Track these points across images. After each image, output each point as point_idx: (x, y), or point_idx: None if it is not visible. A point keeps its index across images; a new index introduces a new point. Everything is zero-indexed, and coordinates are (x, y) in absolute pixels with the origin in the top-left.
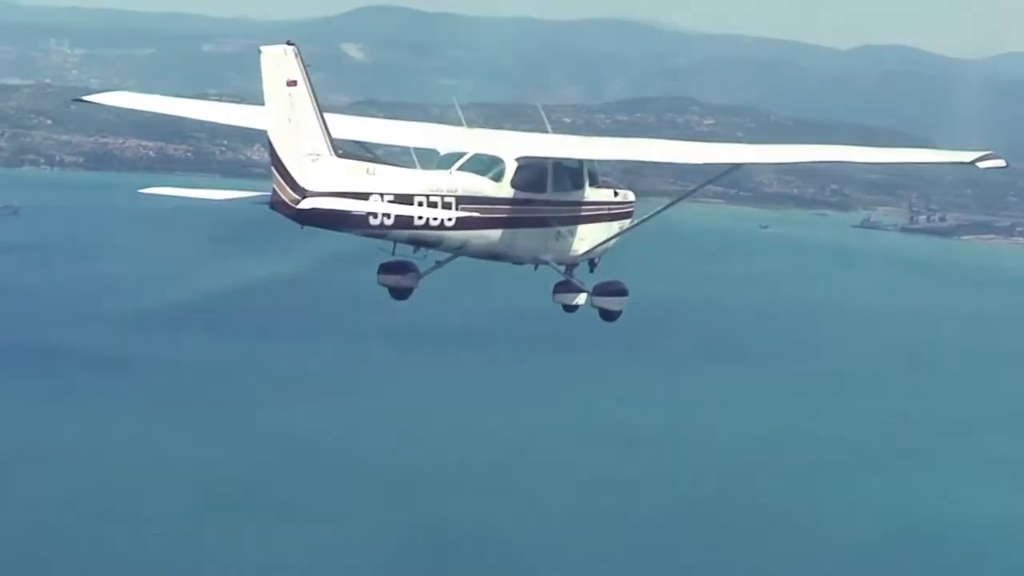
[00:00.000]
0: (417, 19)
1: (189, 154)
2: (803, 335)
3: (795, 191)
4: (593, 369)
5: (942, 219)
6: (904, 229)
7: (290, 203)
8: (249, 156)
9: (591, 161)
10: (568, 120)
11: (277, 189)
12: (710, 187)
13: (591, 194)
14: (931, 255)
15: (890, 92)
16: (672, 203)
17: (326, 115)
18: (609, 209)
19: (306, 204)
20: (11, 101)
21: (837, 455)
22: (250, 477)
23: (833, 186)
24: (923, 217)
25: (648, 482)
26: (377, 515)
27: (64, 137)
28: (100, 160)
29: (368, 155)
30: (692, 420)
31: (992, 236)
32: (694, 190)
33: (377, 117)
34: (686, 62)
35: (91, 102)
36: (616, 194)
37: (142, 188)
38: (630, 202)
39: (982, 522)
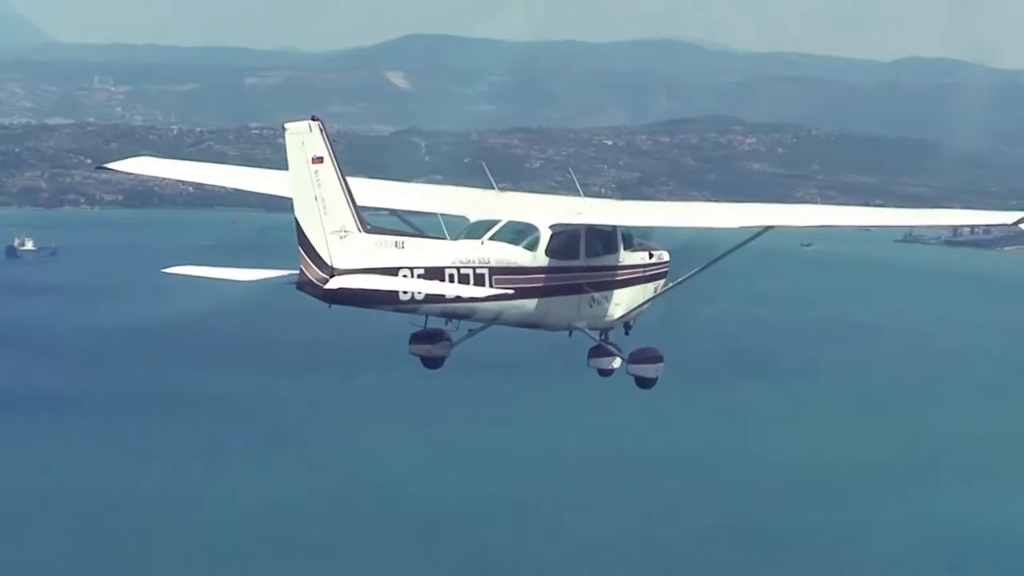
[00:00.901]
0: (460, 45)
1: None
2: (844, 353)
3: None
4: (626, 390)
5: (986, 231)
6: (947, 242)
7: (317, 283)
8: None
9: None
10: (609, 143)
11: (304, 269)
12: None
13: (625, 257)
14: (972, 267)
15: (934, 104)
16: (706, 266)
17: (353, 179)
18: (644, 271)
19: (333, 284)
20: (50, 142)
21: (875, 472)
22: (281, 513)
23: (877, 201)
24: (967, 229)
25: (682, 506)
26: (409, 548)
27: (104, 176)
28: (140, 197)
29: (397, 229)
30: (729, 441)
31: None
32: (727, 253)
33: (420, 144)
34: (732, 80)
35: (116, 170)
36: (651, 255)
37: (169, 267)
38: (665, 263)
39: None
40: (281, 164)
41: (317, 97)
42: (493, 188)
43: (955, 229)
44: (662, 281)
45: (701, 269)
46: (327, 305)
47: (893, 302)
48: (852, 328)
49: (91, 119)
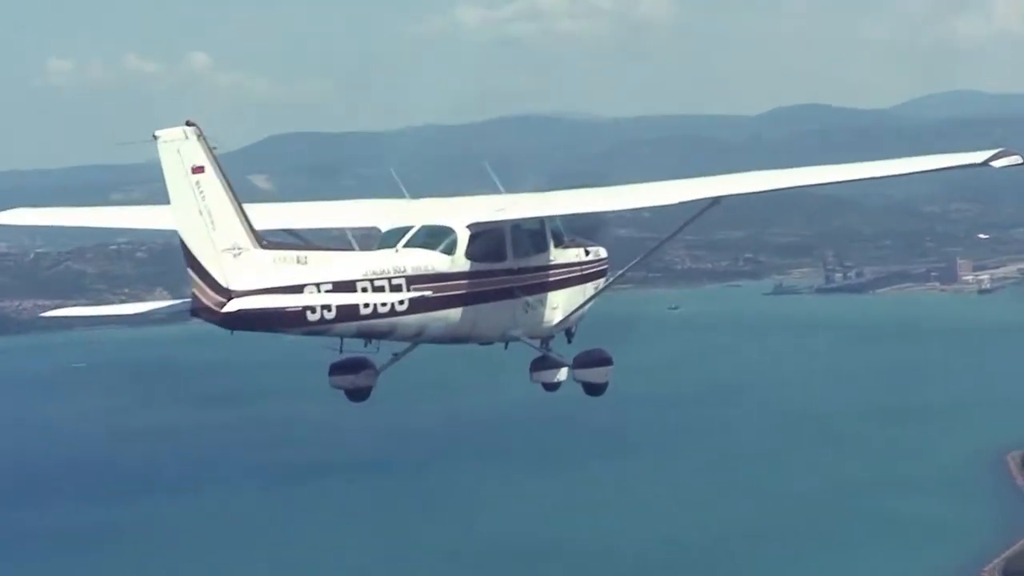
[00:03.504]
0: (324, 141)
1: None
2: (708, 418)
3: (708, 265)
4: (482, 481)
5: (859, 275)
6: (820, 290)
7: (214, 307)
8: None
9: (554, 220)
10: None
11: (197, 293)
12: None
13: (558, 256)
14: (840, 314)
15: (802, 151)
16: (649, 253)
17: (248, 206)
18: (581, 270)
19: (232, 306)
20: None
21: (739, 541)
22: None
23: (747, 255)
24: (839, 275)
25: None
26: None
27: None
28: None
29: (298, 243)
30: (587, 527)
31: (907, 285)
32: (674, 233)
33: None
34: (599, 149)
35: None
36: (587, 252)
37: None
38: (603, 259)
39: None
40: (145, 277)
41: None
42: (404, 197)
43: (826, 277)
44: (601, 280)
45: (641, 259)
46: (229, 332)
47: (761, 359)
48: (718, 391)
49: None
